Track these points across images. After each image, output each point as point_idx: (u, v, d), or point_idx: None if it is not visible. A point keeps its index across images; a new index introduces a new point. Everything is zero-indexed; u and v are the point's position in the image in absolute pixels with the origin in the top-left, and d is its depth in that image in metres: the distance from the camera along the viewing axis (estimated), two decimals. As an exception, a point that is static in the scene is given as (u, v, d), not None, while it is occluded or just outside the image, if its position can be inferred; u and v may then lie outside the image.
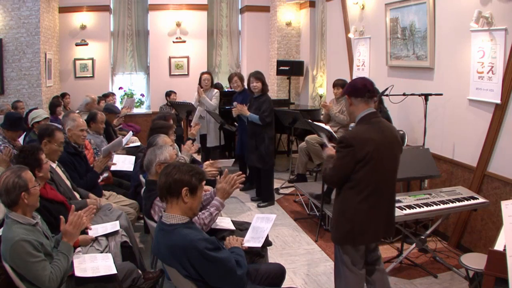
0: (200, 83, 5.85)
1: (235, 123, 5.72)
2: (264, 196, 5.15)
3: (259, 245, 2.60)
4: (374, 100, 2.51)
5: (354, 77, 5.84)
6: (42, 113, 4.66)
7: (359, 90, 2.45)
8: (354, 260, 2.54)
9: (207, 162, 3.64)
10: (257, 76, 5.01)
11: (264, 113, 4.86)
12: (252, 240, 2.63)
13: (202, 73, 5.95)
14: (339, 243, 2.57)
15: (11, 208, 2.26)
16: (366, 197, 2.41)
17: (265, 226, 2.71)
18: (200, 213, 2.59)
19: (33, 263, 2.13)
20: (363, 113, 2.45)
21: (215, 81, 8.17)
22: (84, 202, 3.14)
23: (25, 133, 4.73)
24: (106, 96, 7.04)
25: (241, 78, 5.68)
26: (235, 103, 5.53)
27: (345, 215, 2.47)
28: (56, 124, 4.03)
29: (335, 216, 2.57)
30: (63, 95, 6.92)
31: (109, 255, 2.53)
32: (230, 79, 5.80)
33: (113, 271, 2.35)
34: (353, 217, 2.44)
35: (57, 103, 5.99)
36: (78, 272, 2.30)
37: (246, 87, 5.60)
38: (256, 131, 4.98)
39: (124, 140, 4.66)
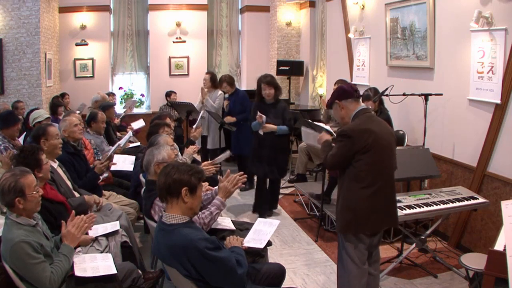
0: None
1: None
2: (274, 204, 4.90)
3: (261, 246, 2.60)
4: (360, 101, 2.69)
5: (354, 77, 5.84)
6: (43, 113, 4.66)
7: (347, 91, 2.63)
8: (357, 252, 2.58)
9: (205, 162, 3.64)
10: (270, 81, 4.48)
11: (291, 122, 4.56)
12: (252, 241, 2.63)
13: (205, 73, 5.96)
14: (342, 232, 2.62)
15: (9, 209, 2.26)
16: (367, 187, 2.50)
17: (268, 230, 2.71)
18: (200, 212, 2.59)
19: (33, 265, 2.12)
20: (356, 110, 2.60)
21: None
22: (82, 198, 3.14)
23: (25, 133, 4.73)
24: (107, 96, 7.05)
25: (229, 83, 5.61)
26: (225, 102, 5.64)
27: (347, 204, 2.55)
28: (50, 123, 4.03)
29: (338, 206, 2.64)
30: (63, 95, 6.92)
31: (109, 255, 2.53)
32: (220, 84, 5.73)
33: (113, 271, 2.35)
34: (355, 206, 2.52)
35: (58, 103, 5.99)
36: (78, 272, 2.30)
37: (237, 88, 5.65)
38: (279, 142, 4.53)
39: (124, 140, 4.66)
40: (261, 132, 4.47)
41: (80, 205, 3.07)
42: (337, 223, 2.69)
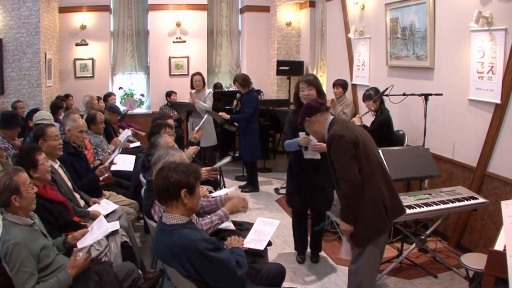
0: (192, 85, 5.90)
1: (235, 123, 5.73)
2: (318, 245, 3.80)
3: (261, 247, 2.60)
4: (329, 111, 2.78)
5: (354, 77, 5.85)
6: (50, 117, 4.68)
7: (314, 107, 2.70)
8: (377, 257, 2.59)
9: (204, 168, 3.66)
10: (311, 81, 3.50)
11: None
12: (252, 242, 2.63)
13: (193, 75, 6.00)
14: (377, 235, 2.54)
15: (5, 208, 2.26)
16: (379, 178, 2.50)
17: (268, 230, 2.72)
18: (200, 218, 2.60)
19: (20, 271, 2.11)
20: (327, 122, 2.66)
21: (215, 81, 8.23)
22: (88, 213, 3.14)
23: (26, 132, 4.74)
24: (108, 95, 7.05)
25: (241, 84, 5.53)
26: (234, 102, 5.55)
27: (375, 205, 2.47)
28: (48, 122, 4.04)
29: (364, 217, 2.48)
30: (67, 96, 6.89)
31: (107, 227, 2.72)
32: (234, 82, 5.78)
33: (109, 229, 2.66)
34: (382, 200, 2.48)
35: (59, 105, 5.99)
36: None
37: (252, 87, 5.58)
38: (325, 164, 3.13)
39: (122, 139, 4.67)
40: (308, 156, 3.38)
41: (84, 218, 3.08)
42: (365, 232, 2.51)
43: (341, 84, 5.43)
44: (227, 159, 3.86)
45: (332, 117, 2.67)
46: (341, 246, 2.73)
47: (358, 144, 2.45)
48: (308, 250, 3.83)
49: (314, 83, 3.48)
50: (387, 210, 2.50)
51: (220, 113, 5.56)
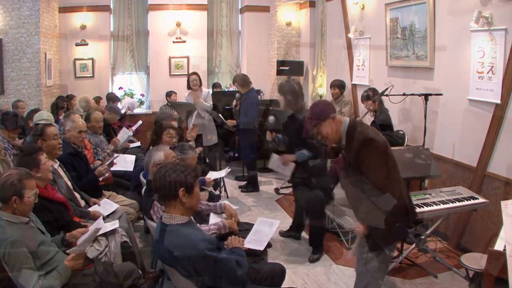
0: (189, 85, 5.88)
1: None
2: (314, 248, 3.84)
3: (261, 248, 2.61)
4: None
5: (354, 77, 5.85)
6: (50, 118, 4.67)
7: (326, 109, 2.51)
8: (387, 262, 2.56)
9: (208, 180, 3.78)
10: (278, 88, 3.78)
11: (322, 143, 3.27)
12: (253, 242, 2.64)
13: (190, 74, 6.00)
14: (395, 241, 2.55)
15: (2, 205, 2.27)
16: (402, 182, 2.48)
17: (268, 231, 2.74)
18: (198, 224, 2.62)
19: (24, 269, 2.13)
20: (345, 122, 2.48)
21: (215, 81, 8.22)
22: (88, 213, 3.15)
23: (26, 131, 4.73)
24: (113, 101, 7.00)
25: (240, 84, 5.48)
26: (234, 102, 5.61)
27: (399, 212, 2.39)
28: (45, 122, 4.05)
29: (387, 223, 2.39)
30: (70, 97, 6.87)
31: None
32: (233, 83, 5.78)
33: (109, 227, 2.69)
34: (406, 206, 2.42)
35: (60, 105, 5.98)
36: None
37: (252, 87, 5.55)
38: (311, 167, 3.60)
39: (122, 140, 4.66)
40: (275, 167, 3.68)
41: (84, 218, 3.09)
42: (377, 243, 2.43)
43: (337, 85, 5.47)
44: (226, 171, 4.11)
45: (348, 118, 2.53)
46: (353, 245, 2.75)
47: (387, 148, 2.39)
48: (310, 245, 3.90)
49: (281, 90, 3.73)
50: (408, 216, 2.44)
51: (228, 121, 5.54)
